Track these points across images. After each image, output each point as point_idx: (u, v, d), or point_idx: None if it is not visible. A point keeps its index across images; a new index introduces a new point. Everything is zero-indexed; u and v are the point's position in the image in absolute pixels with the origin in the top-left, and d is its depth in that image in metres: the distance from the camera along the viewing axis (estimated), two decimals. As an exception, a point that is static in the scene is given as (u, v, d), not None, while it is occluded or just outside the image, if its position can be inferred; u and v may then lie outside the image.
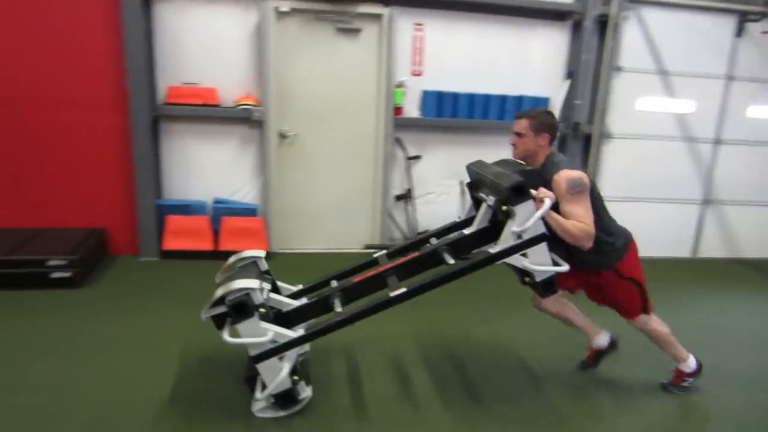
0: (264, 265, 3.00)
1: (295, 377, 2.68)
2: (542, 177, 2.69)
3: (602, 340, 3.13)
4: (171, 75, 4.74)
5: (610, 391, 3.09)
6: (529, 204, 2.51)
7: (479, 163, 3.00)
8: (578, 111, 5.31)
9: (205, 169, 4.99)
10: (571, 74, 5.33)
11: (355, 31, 4.95)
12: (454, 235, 2.94)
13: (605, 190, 5.23)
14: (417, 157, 5.30)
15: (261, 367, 2.56)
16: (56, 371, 2.96)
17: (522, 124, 2.76)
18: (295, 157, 5.10)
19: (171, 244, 4.80)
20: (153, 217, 4.77)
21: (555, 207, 2.57)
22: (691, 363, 3.04)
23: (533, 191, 2.53)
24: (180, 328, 3.49)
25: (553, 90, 5.37)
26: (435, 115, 5.18)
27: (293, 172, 5.12)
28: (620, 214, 2.93)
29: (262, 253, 3.02)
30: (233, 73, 4.83)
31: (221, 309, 2.56)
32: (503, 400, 2.94)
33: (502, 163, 2.91)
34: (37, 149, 4.57)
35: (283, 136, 5.01)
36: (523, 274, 2.73)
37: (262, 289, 2.63)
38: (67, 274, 4.05)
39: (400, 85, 5.06)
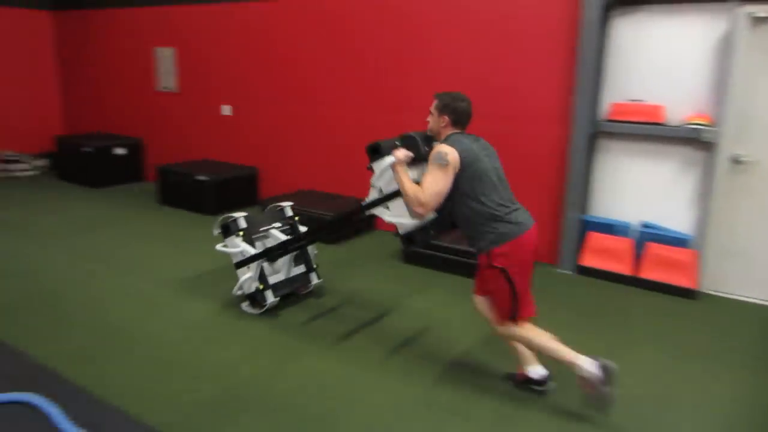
0: (289, 212, 4.14)
1: (260, 286, 3.70)
2: (418, 145, 2.97)
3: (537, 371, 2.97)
4: (616, 91, 4.68)
5: None
6: (381, 162, 3.01)
7: None
8: None
9: (636, 190, 4.74)
10: None
11: None
12: None
13: None
14: None
15: (237, 272, 3.77)
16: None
17: (432, 104, 2.93)
18: (749, 186, 4.33)
19: (589, 261, 4.76)
20: (575, 232, 4.82)
21: None
22: (587, 363, 2.70)
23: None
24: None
25: None
26: None
27: (743, 203, 4.36)
28: None
29: (289, 204, 4.18)
30: (684, 89, 4.43)
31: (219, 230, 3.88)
32: None
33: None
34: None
35: (736, 161, 4.32)
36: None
37: (257, 224, 3.92)
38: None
39: None
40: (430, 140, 3.04)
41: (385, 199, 3.07)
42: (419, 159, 2.98)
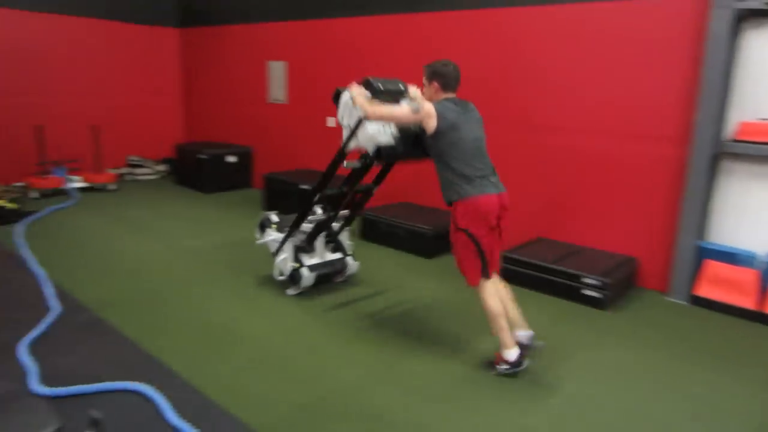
0: (318, 211, 4.44)
1: (296, 265, 4.19)
2: (372, 85, 3.42)
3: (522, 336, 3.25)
4: (745, 110, 4.30)
5: None
6: (341, 101, 3.60)
7: None
8: None
9: (765, 218, 4.32)
10: None
11: None
12: None
13: None
14: None
15: (276, 258, 4.31)
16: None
17: (423, 75, 3.25)
18: None
19: (705, 291, 4.38)
20: (690, 259, 4.46)
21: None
22: (511, 354, 3.14)
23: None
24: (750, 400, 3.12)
25: None
26: None
27: None
28: None
29: (319, 206, 4.36)
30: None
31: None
32: None
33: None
34: (594, 173, 4.95)
35: None
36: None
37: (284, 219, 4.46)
38: (597, 295, 4.24)
39: None
40: (392, 84, 3.50)
41: (354, 131, 3.52)
42: (375, 98, 3.38)
